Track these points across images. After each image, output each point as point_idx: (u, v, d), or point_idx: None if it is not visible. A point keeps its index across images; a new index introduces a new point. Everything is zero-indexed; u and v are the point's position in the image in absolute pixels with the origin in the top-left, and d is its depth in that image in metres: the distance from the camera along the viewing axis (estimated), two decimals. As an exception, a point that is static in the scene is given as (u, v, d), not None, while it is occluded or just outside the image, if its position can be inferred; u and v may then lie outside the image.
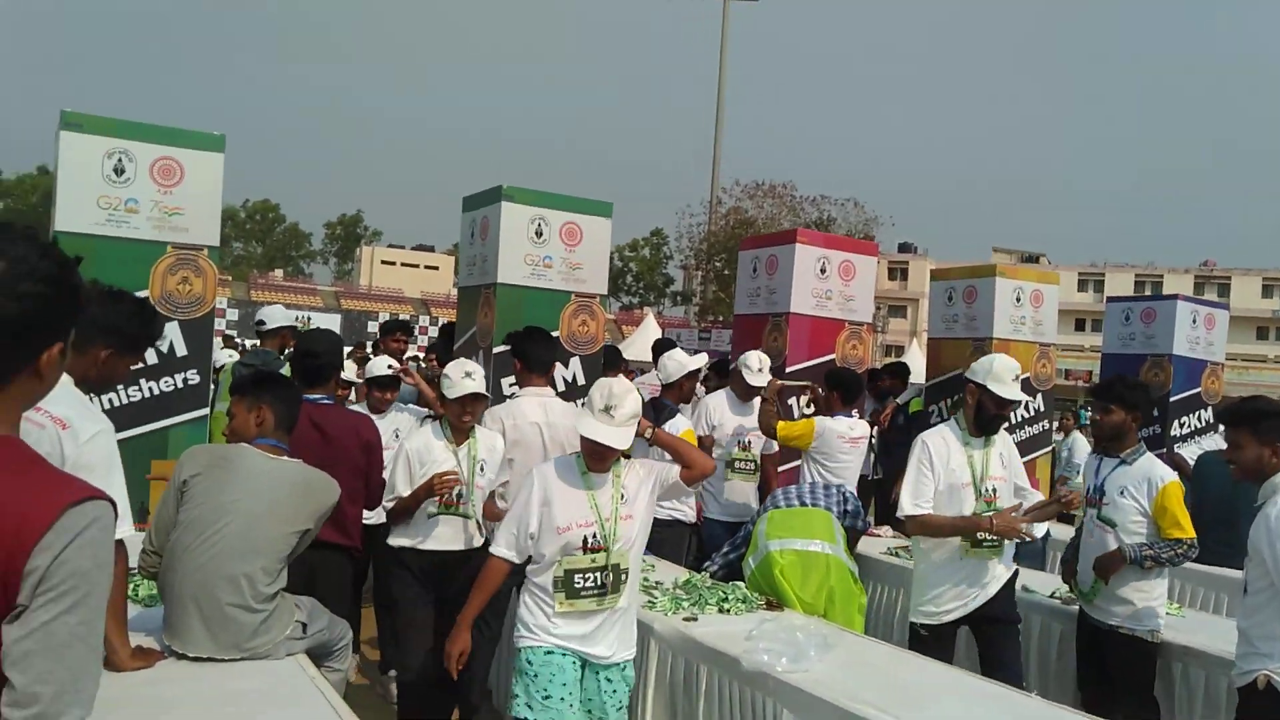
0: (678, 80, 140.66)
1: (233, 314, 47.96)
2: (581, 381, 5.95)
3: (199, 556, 2.93)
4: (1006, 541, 4.12)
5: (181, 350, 4.94)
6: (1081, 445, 9.87)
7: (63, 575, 1.36)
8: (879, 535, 6.13)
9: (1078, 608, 4.35)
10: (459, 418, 4.03)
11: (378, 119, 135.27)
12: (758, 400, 5.65)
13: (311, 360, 4.24)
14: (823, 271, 6.81)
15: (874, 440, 7.58)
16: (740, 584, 4.33)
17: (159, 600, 3.11)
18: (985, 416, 4.13)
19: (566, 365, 5.92)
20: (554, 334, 5.80)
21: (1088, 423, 9.05)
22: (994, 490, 4.12)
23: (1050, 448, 7.80)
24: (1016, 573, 4.29)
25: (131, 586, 3.42)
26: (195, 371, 4.96)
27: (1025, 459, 7.10)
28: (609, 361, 6.97)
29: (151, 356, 4.87)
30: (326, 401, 4.28)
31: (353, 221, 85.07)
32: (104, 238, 4.78)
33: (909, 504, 4.07)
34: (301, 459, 3.59)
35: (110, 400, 4.77)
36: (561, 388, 5.88)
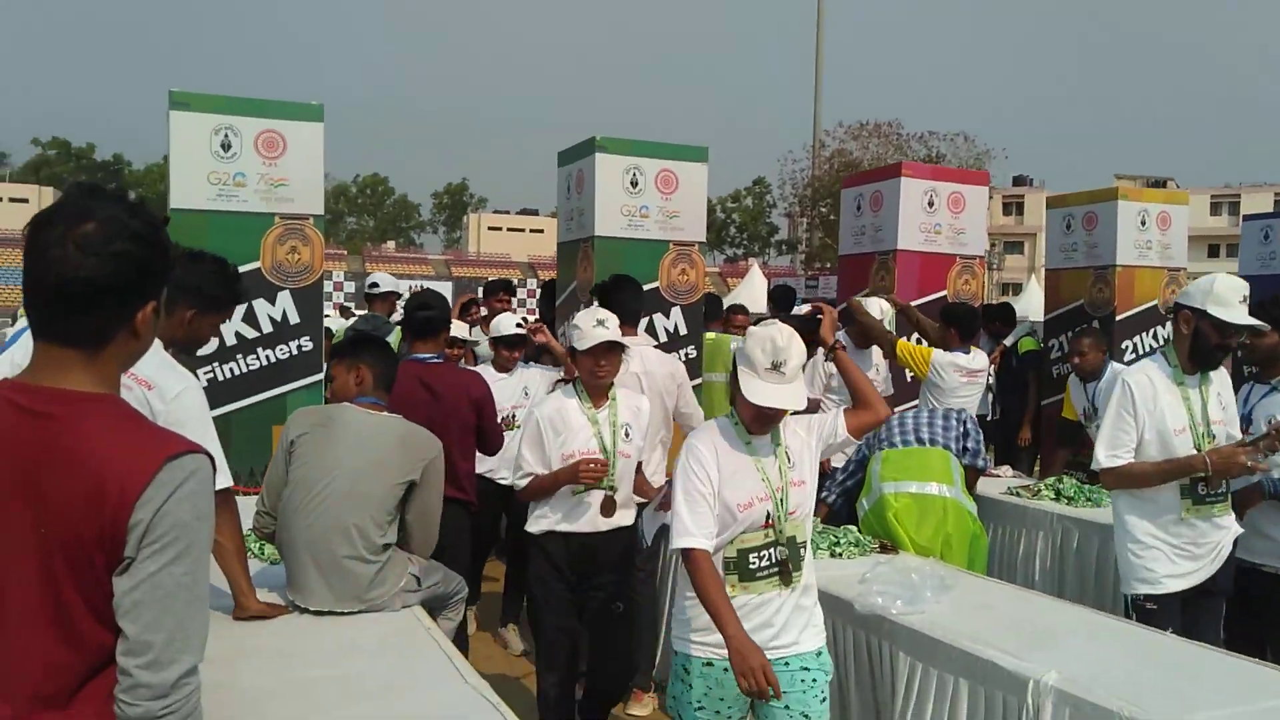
0: (776, 24, 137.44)
1: (349, 286, 49.45)
2: (683, 331, 5.89)
3: (311, 512, 3.02)
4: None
5: (294, 318, 5.09)
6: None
7: (165, 527, 1.40)
8: (998, 475, 5.92)
9: None
10: (593, 374, 3.54)
11: (476, 85, 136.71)
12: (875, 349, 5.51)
13: (423, 313, 4.36)
14: (930, 205, 6.55)
15: (991, 380, 7.33)
16: (853, 527, 4.24)
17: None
18: (1205, 348, 3.44)
19: (668, 315, 5.87)
20: (653, 284, 5.76)
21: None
22: (1215, 438, 3.49)
23: (1185, 379, 7.37)
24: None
25: (258, 545, 3.57)
26: (308, 338, 5.11)
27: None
28: (710, 312, 6.91)
29: (266, 325, 5.05)
30: (436, 360, 4.37)
31: (459, 190, 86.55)
32: (215, 212, 4.94)
33: (1104, 455, 3.49)
34: (411, 416, 3.67)
35: (230, 370, 4.97)
36: (664, 338, 5.84)
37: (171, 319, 2.80)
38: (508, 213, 72.94)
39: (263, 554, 3.57)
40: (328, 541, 3.00)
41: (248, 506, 3.20)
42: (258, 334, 5.02)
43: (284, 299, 5.06)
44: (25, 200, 63.29)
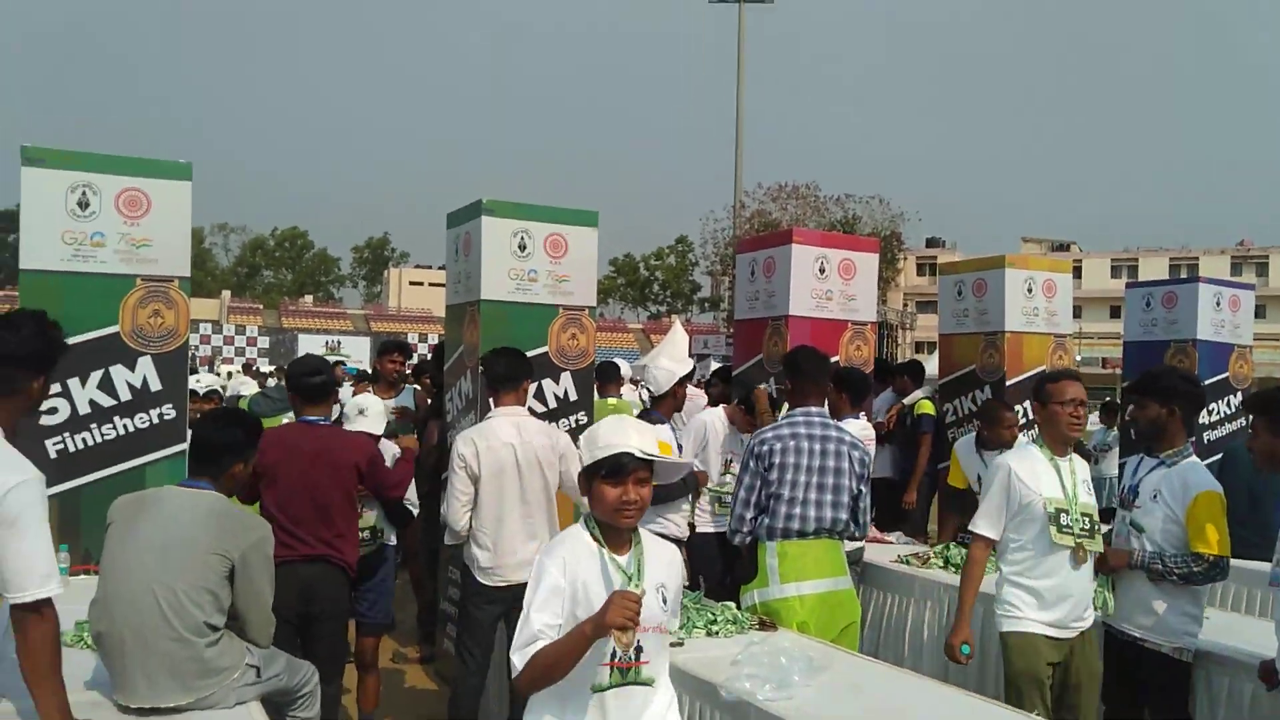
0: (697, 86, 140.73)
1: (264, 341, 48.58)
2: (574, 397, 5.78)
3: (123, 596, 2.82)
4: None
5: (156, 384, 4.82)
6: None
7: None
8: (889, 541, 5.90)
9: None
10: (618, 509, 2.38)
11: (399, 139, 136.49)
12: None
13: (313, 379, 4.33)
14: (821, 271, 6.59)
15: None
16: (731, 605, 4.13)
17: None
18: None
19: (558, 381, 5.76)
20: (542, 349, 5.64)
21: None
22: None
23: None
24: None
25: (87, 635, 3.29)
26: (171, 405, 4.84)
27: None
28: (604, 376, 6.83)
29: (125, 392, 4.77)
30: (324, 422, 4.35)
31: (380, 244, 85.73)
32: (70, 274, 4.69)
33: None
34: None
35: (84, 440, 4.67)
36: (553, 404, 5.72)
37: (13, 400, 2.61)
38: (430, 267, 72.35)
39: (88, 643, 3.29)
40: (143, 625, 2.78)
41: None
42: (114, 402, 4.74)
43: (144, 364, 4.80)
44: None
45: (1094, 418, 13.02)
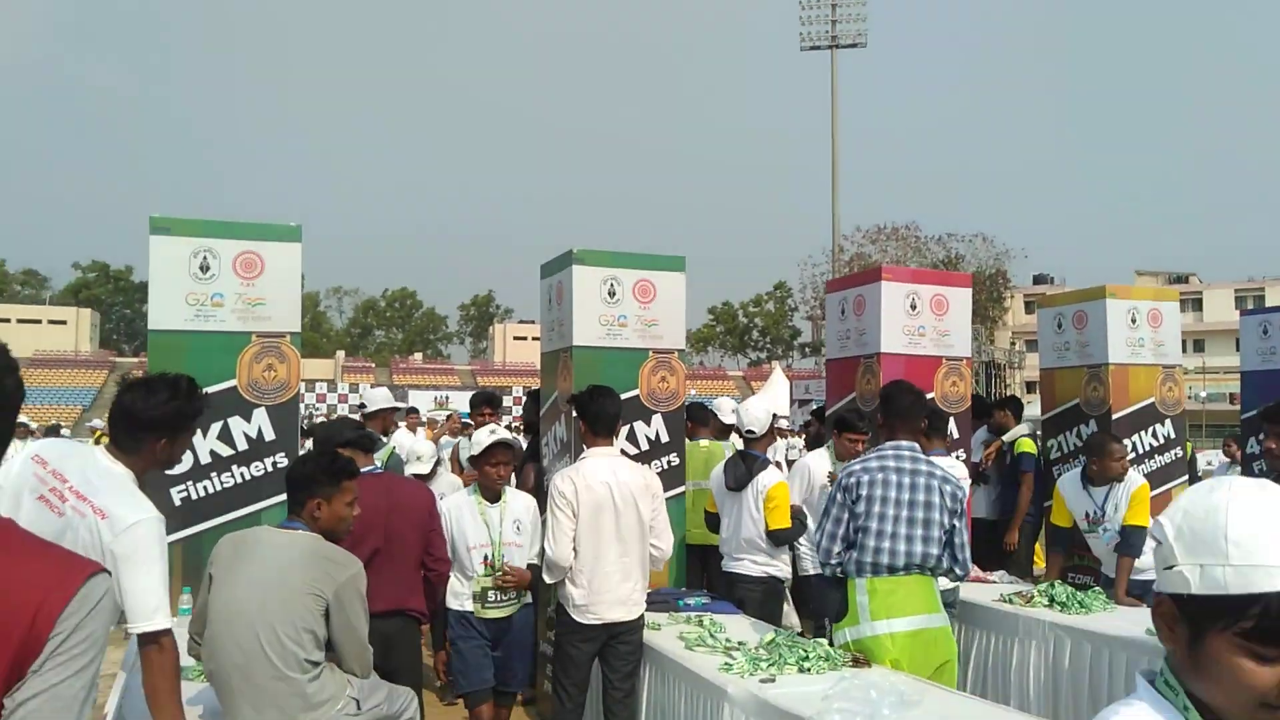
0: (794, 132, 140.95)
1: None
2: (665, 439, 5.86)
3: (229, 637, 2.98)
4: None
5: (270, 434, 5.11)
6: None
7: (79, 639, 1.42)
8: (993, 581, 5.75)
9: None
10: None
11: (504, 198, 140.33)
12: None
13: (356, 434, 4.46)
14: (913, 308, 6.55)
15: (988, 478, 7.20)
16: (823, 641, 4.10)
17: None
18: None
19: (649, 423, 5.85)
20: (633, 392, 5.76)
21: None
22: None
23: (1184, 477, 7.19)
24: None
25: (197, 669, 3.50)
26: (283, 454, 5.12)
27: (1158, 490, 6.62)
28: (695, 418, 6.88)
29: (241, 442, 5.07)
30: (378, 470, 4.49)
31: (485, 301, 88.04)
32: (193, 332, 5.04)
33: None
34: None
35: (205, 488, 4.98)
36: (645, 446, 5.82)
37: (141, 455, 2.84)
38: (533, 322, 73.78)
39: (196, 677, 3.50)
40: (248, 664, 2.95)
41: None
42: (232, 451, 5.04)
43: (259, 416, 5.10)
44: (64, 322, 65.08)
45: (1217, 454, 12.43)
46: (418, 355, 71.08)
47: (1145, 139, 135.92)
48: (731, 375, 60.99)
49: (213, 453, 5.01)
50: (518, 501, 4.62)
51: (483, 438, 4.55)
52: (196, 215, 5.20)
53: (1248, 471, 7.53)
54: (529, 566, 4.50)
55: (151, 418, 2.84)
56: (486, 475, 4.48)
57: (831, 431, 5.59)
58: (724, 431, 7.31)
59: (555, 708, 4.42)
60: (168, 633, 2.64)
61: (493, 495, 4.51)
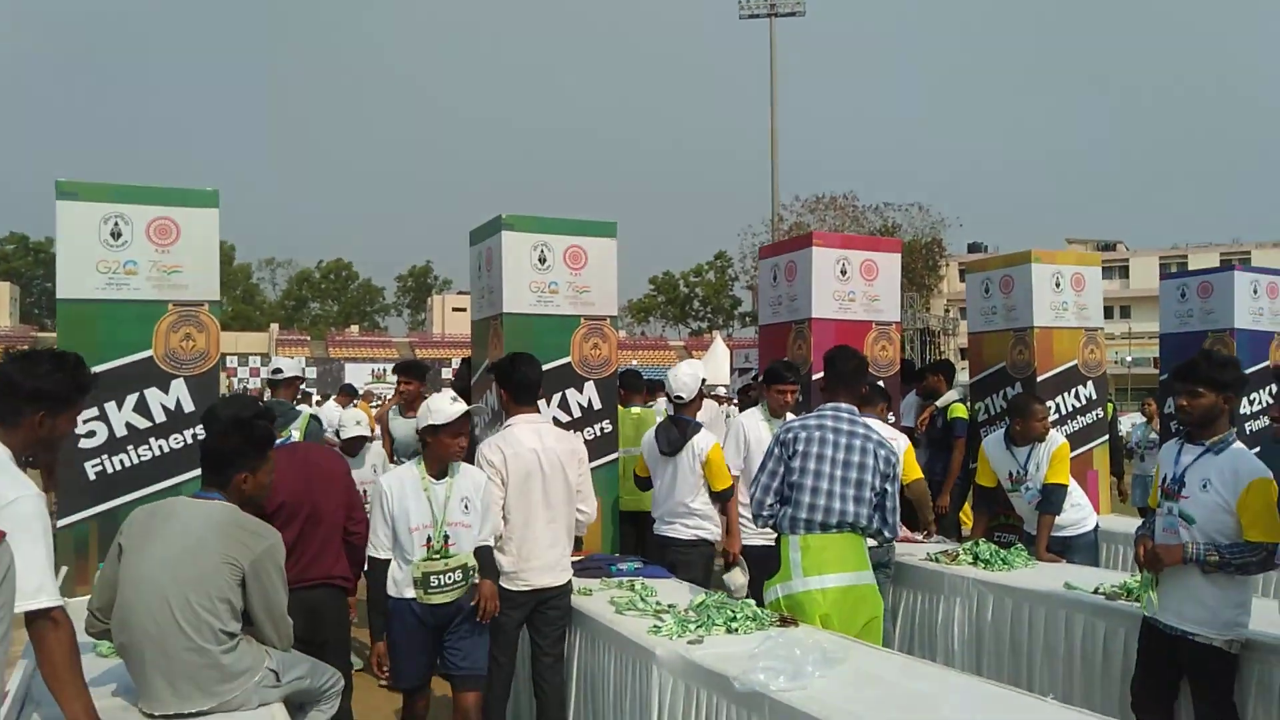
0: (732, 101, 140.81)
1: (311, 372, 49.32)
2: (598, 406, 5.84)
3: (139, 608, 2.90)
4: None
5: (189, 406, 4.97)
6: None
7: None
8: (919, 540, 5.86)
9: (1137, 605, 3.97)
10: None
11: (441, 168, 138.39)
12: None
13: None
14: (844, 273, 6.59)
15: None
16: (751, 602, 4.14)
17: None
18: None
19: (581, 390, 5.82)
20: (565, 359, 5.72)
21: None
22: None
23: (1104, 437, 7.38)
24: None
25: (105, 646, 3.39)
26: (202, 426, 4.98)
27: (1079, 450, 6.79)
28: (628, 385, 6.87)
29: (159, 414, 4.93)
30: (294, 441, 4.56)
31: (423, 272, 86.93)
32: (105, 301, 4.86)
33: None
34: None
35: (121, 461, 4.83)
36: (577, 413, 5.79)
37: (19, 429, 2.72)
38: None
39: (109, 653, 3.40)
40: (161, 635, 2.87)
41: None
42: (150, 423, 4.90)
43: (178, 386, 4.95)
44: (-18, 295, 62.71)
45: (1136, 417, 12.80)
46: (354, 328, 69.96)
47: (1079, 108, 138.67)
48: (673, 345, 61.15)
49: (129, 425, 4.86)
50: (467, 479, 4.11)
51: (444, 405, 4.06)
52: (112, 181, 5.00)
53: (1165, 430, 7.77)
54: (480, 548, 4.09)
55: (32, 388, 2.72)
56: (445, 447, 4.00)
57: (763, 387, 5.63)
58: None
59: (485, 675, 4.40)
60: (60, 608, 2.55)
61: (439, 471, 4.05)
